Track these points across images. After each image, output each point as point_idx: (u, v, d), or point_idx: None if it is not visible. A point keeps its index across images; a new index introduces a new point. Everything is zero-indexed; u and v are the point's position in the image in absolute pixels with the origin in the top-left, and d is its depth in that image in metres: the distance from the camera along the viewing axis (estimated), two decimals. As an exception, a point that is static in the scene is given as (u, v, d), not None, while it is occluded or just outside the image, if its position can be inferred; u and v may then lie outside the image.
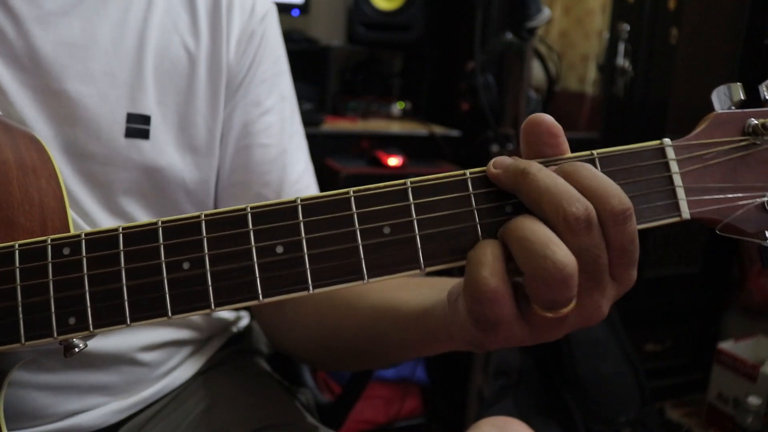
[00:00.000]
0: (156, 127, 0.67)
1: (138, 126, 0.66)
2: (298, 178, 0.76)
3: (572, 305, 0.41)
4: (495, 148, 1.79)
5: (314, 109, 2.03)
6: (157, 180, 0.68)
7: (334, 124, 2.08)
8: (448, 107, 2.19)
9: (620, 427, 1.80)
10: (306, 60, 2.15)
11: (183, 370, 0.76)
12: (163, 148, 0.67)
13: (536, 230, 0.40)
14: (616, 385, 1.83)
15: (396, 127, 2.15)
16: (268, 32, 0.75)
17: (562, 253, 0.39)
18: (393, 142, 2.03)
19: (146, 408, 0.73)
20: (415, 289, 0.58)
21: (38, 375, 0.63)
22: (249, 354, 0.84)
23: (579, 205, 0.39)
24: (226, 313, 0.84)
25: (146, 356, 0.70)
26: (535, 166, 0.41)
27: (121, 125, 0.65)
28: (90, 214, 0.65)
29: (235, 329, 0.85)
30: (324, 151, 1.95)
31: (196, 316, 0.75)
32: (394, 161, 1.92)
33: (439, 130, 2.12)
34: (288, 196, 0.73)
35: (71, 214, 0.54)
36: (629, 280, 0.43)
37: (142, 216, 0.68)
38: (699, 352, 2.20)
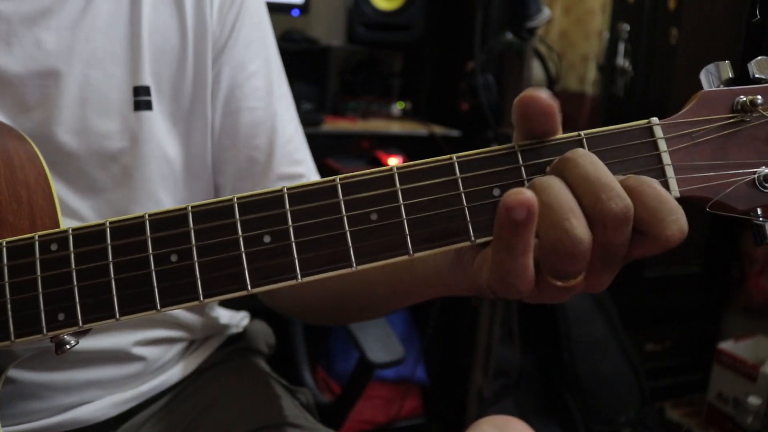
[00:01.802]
0: (154, 97, 0.68)
1: (142, 98, 0.67)
2: (289, 140, 0.76)
3: (580, 278, 0.41)
4: (495, 148, 1.79)
5: (314, 109, 2.03)
6: (159, 148, 0.68)
7: (334, 124, 2.08)
8: (448, 107, 2.19)
9: (620, 427, 1.80)
10: (306, 60, 2.15)
11: (180, 367, 0.76)
12: (163, 116, 0.68)
13: (561, 197, 0.39)
14: (616, 385, 1.83)
15: (396, 127, 2.15)
16: None
17: (580, 228, 0.39)
18: (393, 142, 2.03)
19: (145, 405, 0.73)
20: None
21: (36, 374, 0.64)
22: (248, 353, 0.84)
23: (619, 200, 0.39)
24: (223, 317, 0.84)
25: (142, 350, 0.71)
26: (579, 152, 0.41)
27: (129, 100, 0.66)
28: (103, 193, 0.66)
29: (235, 330, 0.85)
30: (324, 151, 1.95)
31: (189, 318, 0.76)
32: (394, 161, 1.92)
33: (439, 130, 2.12)
34: (279, 157, 0.74)
35: (59, 207, 0.55)
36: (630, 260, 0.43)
37: (143, 191, 0.69)
38: (699, 352, 2.20)
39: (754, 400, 1.84)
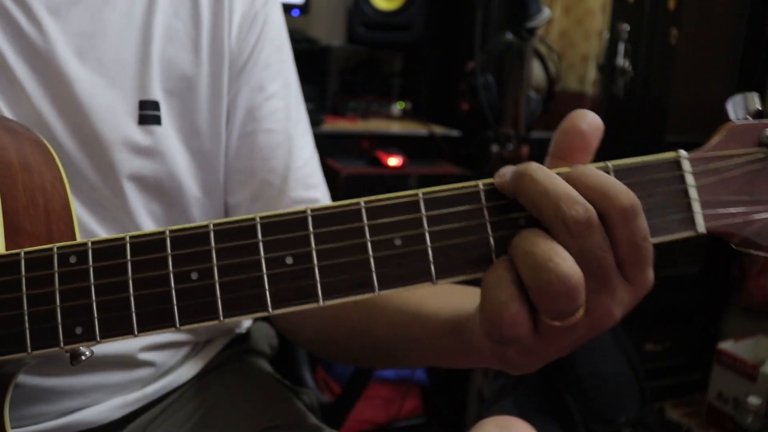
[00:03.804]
0: (164, 112, 0.67)
1: (150, 112, 0.66)
2: (304, 164, 0.75)
3: (580, 313, 0.40)
4: (495, 148, 1.79)
5: (314, 109, 2.03)
6: (168, 165, 0.68)
7: (334, 124, 2.08)
8: (448, 107, 2.19)
9: (620, 427, 1.80)
10: (306, 60, 2.14)
11: (185, 369, 0.76)
12: (173, 132, 0.68)
13: (539, 243, 0.39)
14: (616, 385, 1.83)
15: (396, 127, 2.15)
16: (270, 17, 0.75)
17: (566, 265, 0.38)
18: (393, 142, 2.03)
19: (150, 407, 0.73)
20: (441, 297, 0.56)
21: (42, 378, 0.64)
22: (252, 355, 0.84)
23: (579, 207, 0.38)
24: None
25: (148, 356, 0.70)
26: (532, 167, 0.40)
27: (133, 113, 0.65)
28: (99, 203, 0.65)
29: (237, 331, 0.85)
30: (324, 151, 1.93)
31: None
32: (394, 161, 1.92)
33: (439, 130, 2.12)
34: (294, 181, 0.73)
35: (75, 215, 0.54)
36: (645, 281, 0.41)
37: (151, 204, 0.68)
38: (699, 352, 2.21)
39: (754, 400, 1.84)
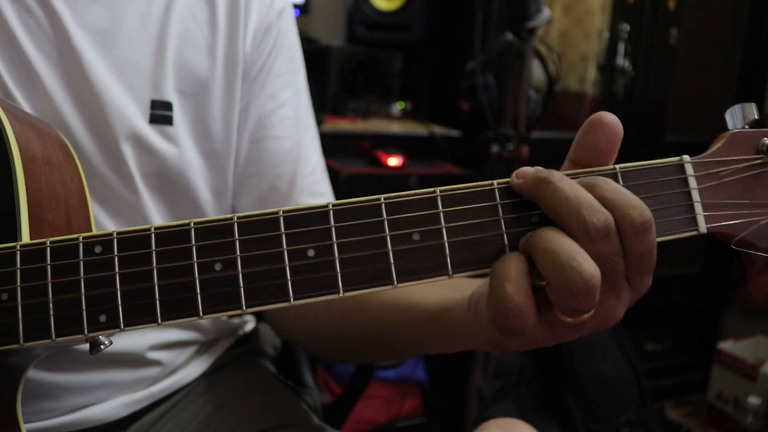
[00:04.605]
0: (177, 114, 0.68)
1: (162, 112, 0.67)
2: (311, 172, 0.77)
3: (593, 311, 0.42)
4: (495, 148, 1.79)
5: (314, 109, 2.03)
6: (178, 166, 0.68)
7: (334, 124, 2.08)
8: (448, 107, 2.19)
9: (620, 427, 1.80)
10: (306, 60, 2.14)
11: (191, 368, 0.76)
12: (185, 134, 0.69)
13: (561, 242, 0.41)
14: (616, 385, 1.83)
15: (396, 127, 2.16)
16: (285, 28, 0.76)
17: (588, 264, 0.40)
18: (393, 142, 2.03)
19: (155, 406, 0.73)
20: (432, 288, 0.58)
21: (49, 374, 0.64)
22: (256, 356, 0.85)
23: (599, 215, 0.41)
24: (233, 318, 0.84)
25: (155, 355, 0.71)
26: (556, 175, 0.42)
27: (145, 112, 0.66)
28: (112, 200, 0.66)
29: (241, 332, 0.85)
30: (324, 151, 1.94)
31: (203, 320, 0.76)
32: (394, 161, 1.92)
33: (439, 130, 2.12)
34: (300, 188, 0.75)
35: (92, 208, 0.55)
36: (644, 286, 0.45)
37: (162, 202, 0.69)
38: (699, 352, 2.21)
39: (754, 400, 1.84)
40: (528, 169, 0.44)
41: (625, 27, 2.00)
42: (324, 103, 2.17)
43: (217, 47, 0.70)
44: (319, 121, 1.99)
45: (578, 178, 0.44)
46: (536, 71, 1.98)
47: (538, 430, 0.62)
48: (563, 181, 0.42)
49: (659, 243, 0.44)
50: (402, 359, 0.84)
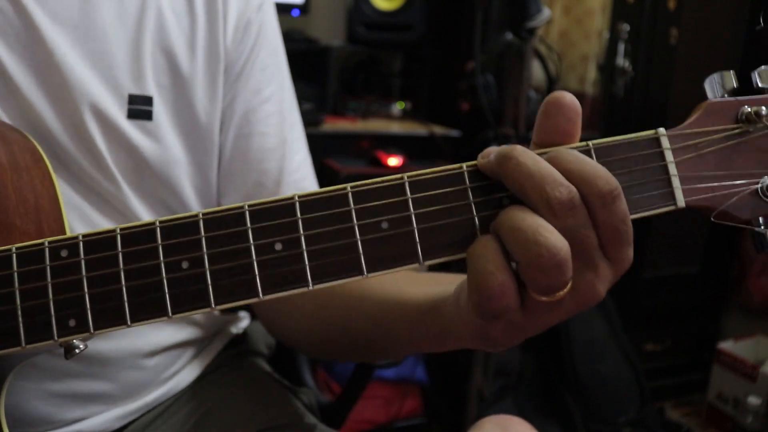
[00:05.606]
0: (157, 108, 0.67)
1: (141, 107, 0.66)
2: (297, 168, 0.76)
3: (567, 288, 0.41)
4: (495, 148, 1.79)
5: (314, 109, 2.03)
6: (159, 162, 0.67)
7: (334, 124, 2.08)
8: (448, 107, 2.19)
9: (620, 427, 1.80)
10: (306, 60, 2.15)
11: (185, 374, 0.76)
12: (166, 129, 0.68)
13: (526, 218, 0.40)
14: (616, 385, 1.83)
15: (396, 127, 2.16)
16: (266, 22, 0.75)
17: (553, 237, 0.39)
18: (393, 142, 2.03)
19: (148, 411, 0.72)
20: (421, 285, 0.58)
21: (40, 384, 0.63)
22: (250, 355, 0.84)
23: (562, 189, 0.40)
24: (225, 314, 0.84)
25: (149, 362, 0.70)
26: (518, 150, 0.42)
27: (123, 106, 0.65)
28: (101, 196, 0.65)
29: (234, 330, 0.85)
30: (324, 151, 1.95)
31: (196, 316, 0.75)
32: (394, 161, 1.92)
33: (439, 130, 2.12)
34: (287, 185, 0.74)
35: (64, 211, 0.54)
36: (625, 260, 0.43)
37: (147, 198, 0.68)
38: (699, 352, 2.20)
39: (754, 400, 1.84)
40: (492, 148, 0.43)
41: (625, 27, 2.00)
42: (324, 103, 2.17)
43: (197, 40, 0.69)
44: (319, 121, 1.99)
45: (547, 154, 0.43)
46: (536, 71, 1.98)
47: (538, 430, 0.62)
48: (525, 155, 0.41)
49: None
50: (396, 358, 0.83)
